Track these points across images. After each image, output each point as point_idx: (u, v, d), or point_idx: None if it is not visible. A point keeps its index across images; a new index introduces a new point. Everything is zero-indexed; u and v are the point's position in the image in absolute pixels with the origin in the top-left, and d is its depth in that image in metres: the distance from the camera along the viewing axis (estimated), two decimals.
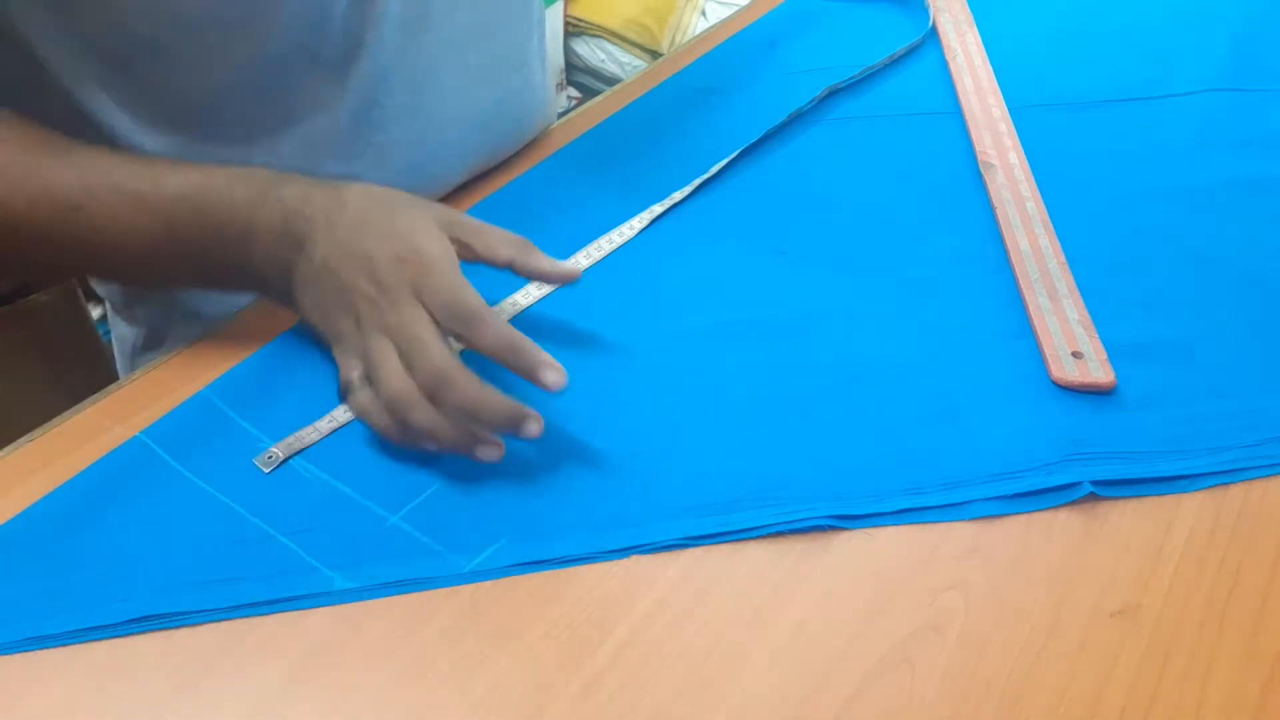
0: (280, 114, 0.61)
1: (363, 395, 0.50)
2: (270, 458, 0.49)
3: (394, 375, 0.48)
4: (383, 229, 0.51)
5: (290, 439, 0.50)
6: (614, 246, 0.63)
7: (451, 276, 0.50)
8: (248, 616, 0.43)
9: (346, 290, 0.50)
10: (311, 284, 0.52)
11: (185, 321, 0.69)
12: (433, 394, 0.48)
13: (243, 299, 0.61)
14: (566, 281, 0.54)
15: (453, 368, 0.48)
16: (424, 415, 0.48)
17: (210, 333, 0.57)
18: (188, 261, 0.54)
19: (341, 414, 0.51)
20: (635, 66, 1.84)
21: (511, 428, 0.47)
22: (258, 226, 0.52)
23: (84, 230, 0.53)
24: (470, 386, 0.48)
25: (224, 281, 0.56)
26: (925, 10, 0.88)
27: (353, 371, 0.50)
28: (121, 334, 0.74)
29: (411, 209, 0.52)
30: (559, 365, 0.48)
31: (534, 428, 0.47)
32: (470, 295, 0.50)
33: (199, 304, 0.68)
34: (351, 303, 0.50)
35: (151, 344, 0.71)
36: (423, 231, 0.51)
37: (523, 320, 0.58)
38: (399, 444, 0.49)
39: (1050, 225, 0.63)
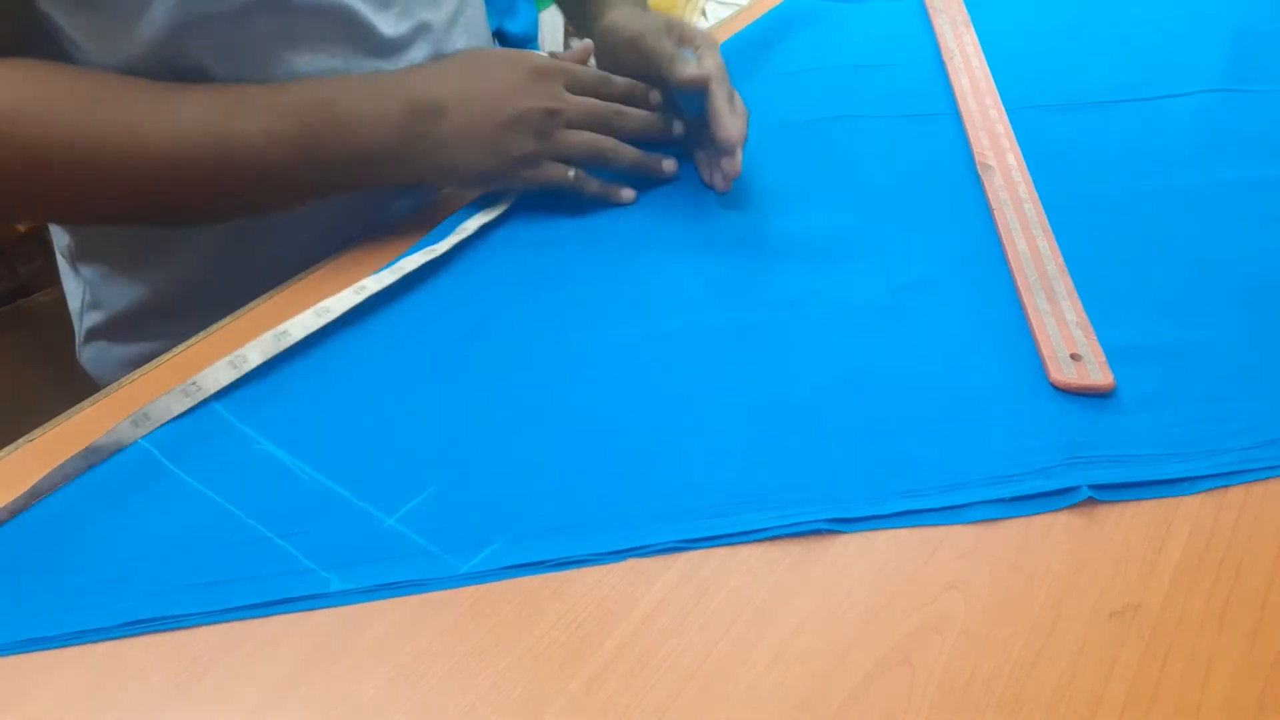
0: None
1: (580, 177, 0.64)
2: None
3: (598, 139, 0.65)
4: (501, 66, 0.63)
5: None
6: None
7: (583, 67, 0.66)
8: (244, 619, 0.43)
9: (516, 119, 0.61)
10: (467, 137, 0.61)
11: (112, 287, 0.70)
12: (623, 125, 0.66)
13: (187, 287, 0.66)
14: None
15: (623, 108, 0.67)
16: (632, 150, 0.66)
17: (208, 331, 0.57)
18: (327, 164, 0.59)
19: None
20: None
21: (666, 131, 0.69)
22: (387, 108, 0.59)
23: (235, 152, 0.57)
24: (640, 112, 0.68)
25: (361, 176, 0.61)
26: (922, 10, 0.88)
27: (560, 170, 0.64)
28: (71, 290, 0.76)
29: (504, 50, 0.65)
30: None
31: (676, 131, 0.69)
32: (610, 76, 0.67)
33: (134, 269, 0.69)
34: (527, 124, 0.62)
35: (94, 304, 0.73)
36: (529, 55, 0.64)
37: (516, 325, 0.58)
38: (607, 194, 0.66)
39: (1048, 227, 0.63)
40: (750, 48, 0.85)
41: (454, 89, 0.61)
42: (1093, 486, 0.47)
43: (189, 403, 0.50)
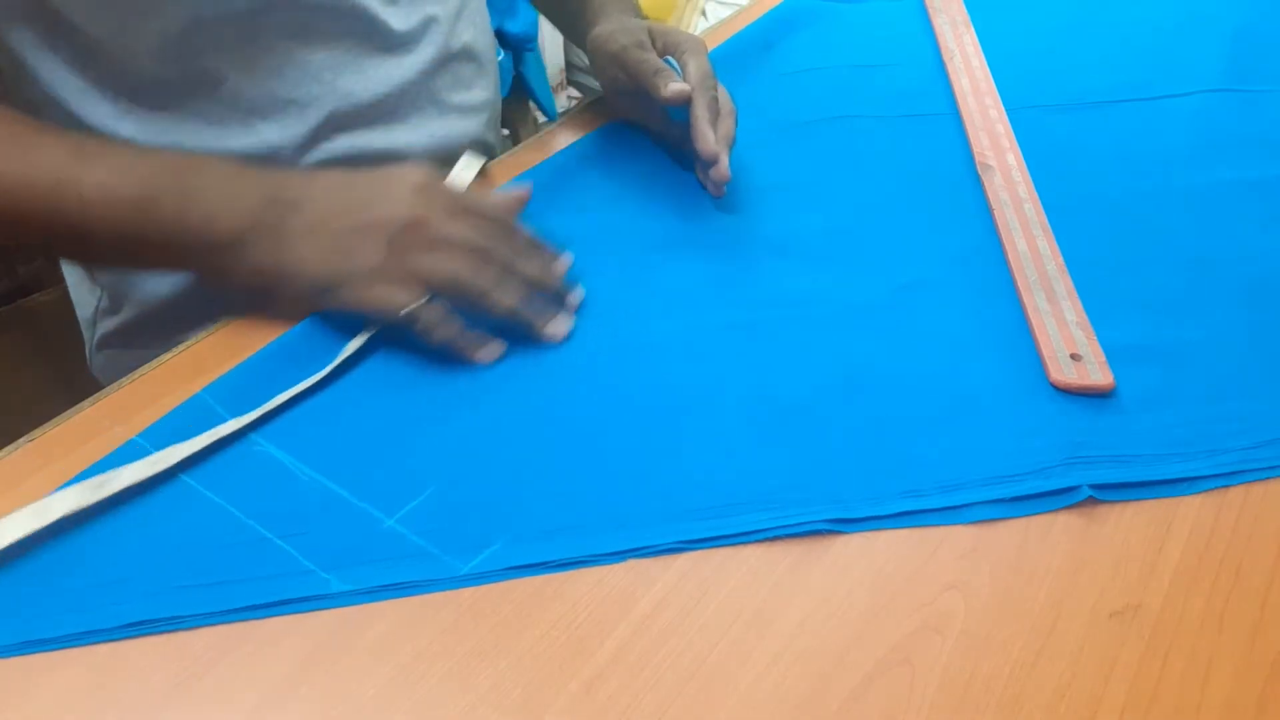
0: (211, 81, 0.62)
1: (431, 312, 0.52)
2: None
3: (469, 270, 0.53)
4: (383, 174, 0.55)
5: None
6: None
7: (475, 194, 0.56)
8: (243, 620, 0.43)
9: (371, 223, 0.53)
10: (314, 234, 0.53)
11: (142, 283, 0.70)
12: (512, 268, 0.54)
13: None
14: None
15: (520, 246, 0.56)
16: (508, 295, 0.53)
17: (208, 331, 0.57)
18: (161, 232, 0.54)
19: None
20: None
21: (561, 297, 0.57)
22: (244, 193, 0.54)
23: (65, 201, 0.53)
24: (542, 257, 0.57)
25: (198, 258, 0.55)
26: (922, 10, 0.88)
27: (399, 297, 0.52)
28: (82, 299, 0.75)
29: (398, 166, 0.56)
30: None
31: (577, 297, 0.58)
32: (518, 224, 0.57)
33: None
34: (381, 230, 0.53)
35: (112, 310, 0.73)
36: (422, 169, 0.56)
37: (516, 325, 0.57)
38: (465, 351, 0.53)
39: (1048, 227, 0.63)
40: (750, 48, 0.85)
41: (320, 189, 0.54)
42: (1093, 486, 0.47)
43: None
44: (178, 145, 0.63)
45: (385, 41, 0.67)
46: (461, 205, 0.55)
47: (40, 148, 0.54)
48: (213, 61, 0.61)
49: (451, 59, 0.72)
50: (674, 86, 0.63)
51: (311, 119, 0.65)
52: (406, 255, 0.52)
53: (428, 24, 0.70)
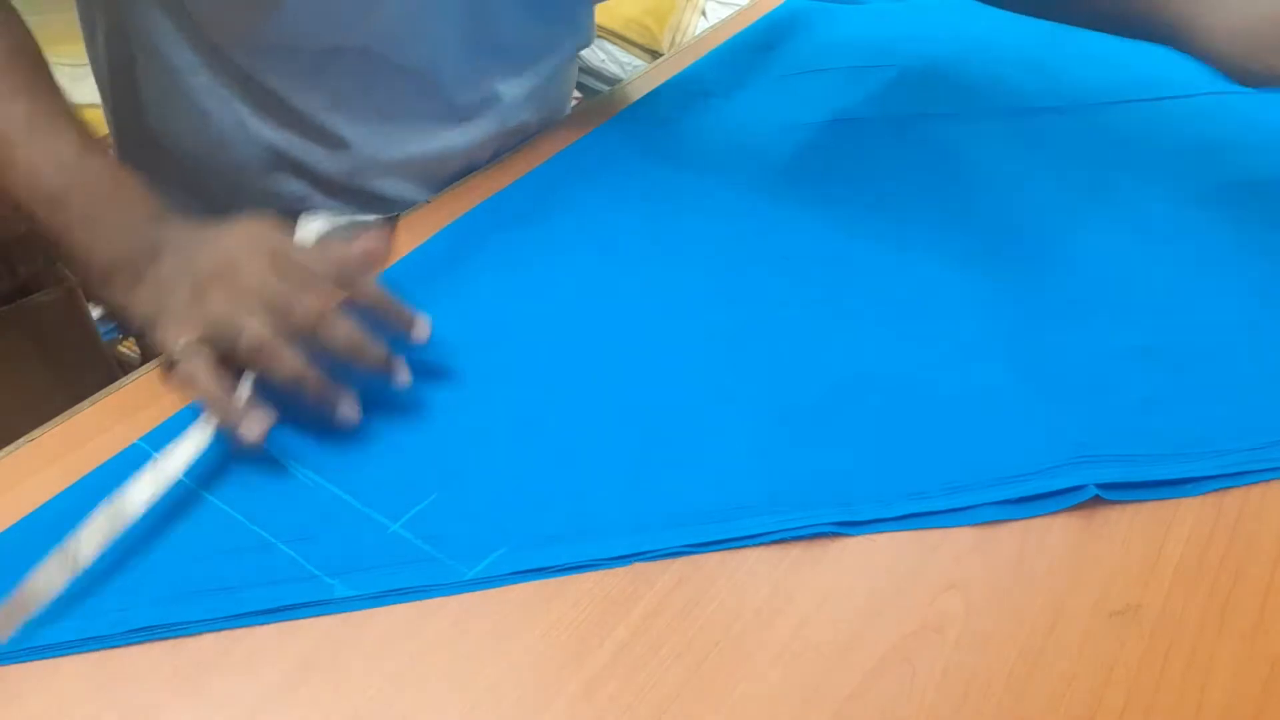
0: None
1: (197, 359, 0.48)
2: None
3: (257, 323, 0.48)
4: (229, 224, 0.53)
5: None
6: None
7: (311, 249, 0.52)
8: (247, 626, 0.43)
9: (185, 272, 0.51)
10: (153, 280, 0.52)
11: None
12: (315, 331, 0.49)
13: None
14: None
15: (334, 309, 0.49)
16: (292, 359, 0.48)
17: None
18: (58, 233, 0.53)
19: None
20: (635, 66, 1.83)
21: (386, 371, 0.50)
22: (125, 229, 0.53)
23: (6, 164, 0.53)
24: (353, 325, 0.49)
25: (82, 273, 0.55)
26: (922, 10, 0.89)
27: (179, 337, 0.49)
28: None
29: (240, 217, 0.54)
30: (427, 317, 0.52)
31: (404, 375, 0.50)
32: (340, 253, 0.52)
33: None
34: (193, 278, 0.50)
35: None
36: (264, 221, 0.53)
37: (519, 328, 0.57)
38: (223, 417, 0.47)
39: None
40: (750, 49, 0.85)
41: (179, 236, 0.53)
42: (1099, 485, 0.47)
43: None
44: (224, 122, 0.65)
45: (440, 112, 0.69)
46: (288, 262, 0.50)
47: (5, 98, 0.53)
48: (276, 81, 0.64)
49: (505, 135, 0.73)
50: None
51: (345, 162, 0.67)
52: (206, 302, 0.50)
53: (490, 102, 0.71)
